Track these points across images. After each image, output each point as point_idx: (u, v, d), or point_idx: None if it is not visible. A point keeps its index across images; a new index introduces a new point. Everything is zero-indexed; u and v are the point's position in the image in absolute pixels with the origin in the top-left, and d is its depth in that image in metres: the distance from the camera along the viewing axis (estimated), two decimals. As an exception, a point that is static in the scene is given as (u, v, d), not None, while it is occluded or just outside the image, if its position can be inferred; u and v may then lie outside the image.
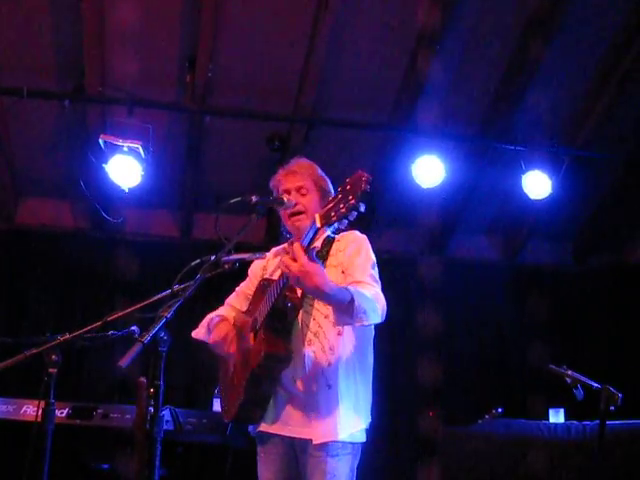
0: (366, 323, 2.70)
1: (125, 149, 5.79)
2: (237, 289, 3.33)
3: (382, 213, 7.15)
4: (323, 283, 2.59)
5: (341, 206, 2.50)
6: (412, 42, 6.13)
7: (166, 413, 4.68)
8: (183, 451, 4.86)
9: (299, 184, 3.12)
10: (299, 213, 3.09)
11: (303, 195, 3.11)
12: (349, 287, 2.71)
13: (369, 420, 2.97)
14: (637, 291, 7.61)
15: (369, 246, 3.03)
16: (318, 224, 2.58)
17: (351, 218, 2.56)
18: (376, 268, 2.99)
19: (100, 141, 5.82)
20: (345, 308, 2.66)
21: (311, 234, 2.64)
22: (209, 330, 3.13)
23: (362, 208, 2.49)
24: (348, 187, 2.52)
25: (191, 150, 6.69)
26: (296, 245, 2.65)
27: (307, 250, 2.63)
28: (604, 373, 4.43)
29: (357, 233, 3.06)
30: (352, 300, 2.63)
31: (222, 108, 6.34)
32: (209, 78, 6.09)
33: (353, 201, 2.47)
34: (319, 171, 3.22)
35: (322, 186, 3.15)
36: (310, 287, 2.61)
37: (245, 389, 2.86)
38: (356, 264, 2.93)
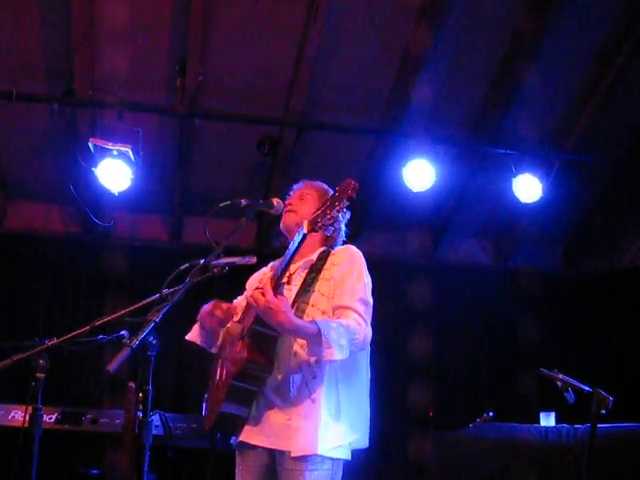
0: (333, 358, 2.69)
1: (115, 153, 5.77)
2: (234, 302, 3.30)
3: (373, 216, 7.15)
4: (286, 320, 2.64)
5: (327, 212, 2.59)
6: (402, 46, 6.14)
7: (155, 418, 4.66)
8: (173, 456, 4.85)
9: (302, 191, 3.22)
10: (290, 212, 3.15)
11: (301, 200, 3.18)
12: (319, 321, 2.71)
13: (358, 438, 2.91)
14: (627, 295, 7.63)
15: (363, 264, 3.02)
16: (305, 230, 2.68)
17: (337, 225, 2.60)
18: (368, 288, 2.97)
19: (90, 145, 5.79)
20: (314, 341, 2.69)
21: (298, 240, 2.74)
22: (201, 331, 3.11)
23: (347, 215, 2.57)
24: (336, 194, 2.61)
25: (181, 154, 6.67)
26: (266, 280, 2.76)
27: (277, 285, 2.71)
28: (595, 376, 4.44)
29: (353, 249, 3.05)
30: (319, 334, 2.65)
31: (212, 112, 6.32)
32: (199, 82, 6.08)
33: (339, 207, 2.56)
34: (329, 191, 3.22)
35: (325, 199, 3.14)
36: (273, 323, 2.67)
37: (226, 395, 2.84)
38: (347, 286, 2.92)
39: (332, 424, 2.81)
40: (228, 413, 2.87)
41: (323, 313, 2.89)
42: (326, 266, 2.98)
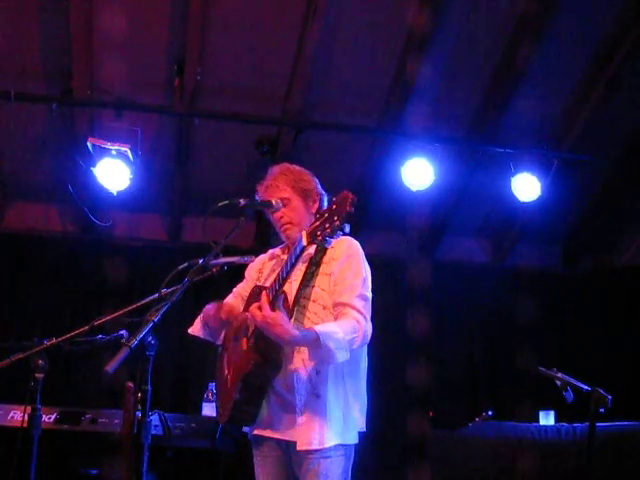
0: (333, 362, 2.77)
1: (113, 152, 5.77)
2: (234, 290, 3.33)
3: (372, 216, 7.15)
4: (284, 333, 2.69)
5: (327, 226, 2.61)
6: (401, 45, 6.13)
7: (155, 418, 4.66)
8: (172, 456, 4.84)
9: (282, 195, 3.13)
10: (289, 224, 3.12)
11: (285, 205, 3.11)
12: (318, 329, 2.73)
13: (362, 426, 2.98)
14: (626, 293, 7.64)
15: (362, 257, 3.04)
16: (304, 242, 2.71)
17: (337, 237, 2.63)
18: (368, 282, 3.01)
19: (88, 144, 5.79)
20: (315, 348, 2.75)
21: (298, 251, 2.77)
22: (204, 325, 3.13)
23: (347, 229, 2.59)
24: (334, 207, 2.62)
25: (180, 153, 6.66)
26: (263, 294, 2.76)
27: (274, 298, 2.75)
28: (594, 375, 4.44)
29: (351, 242, 3.05)
30: (318, 340, 2.70)
31: (211, 111, 6.32)
32: (198, 81, 6.07)
33: (338, 222, 2.58)
34: (296, 173, 3.21)
35: (303, 188, 3.15)
36: (273, 336, 2.72)
37: (237, 393, 2.88)
38: (346, 282, 2.94)
39: (339, 418, 2.88)
40: (241, 409, 2.93)
41: (324, 308, 2.93)
42: (325, 260, 2.99)
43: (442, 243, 7.76)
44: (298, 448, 2.82)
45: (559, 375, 4.36)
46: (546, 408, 5.93)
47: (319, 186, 3.19)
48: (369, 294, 2.98)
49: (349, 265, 2.98)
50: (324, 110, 6.50)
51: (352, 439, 2.92)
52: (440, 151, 6.36)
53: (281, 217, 3.12)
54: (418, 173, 6.31)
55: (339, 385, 2.90)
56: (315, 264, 2.98)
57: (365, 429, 3.00)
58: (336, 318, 2.90)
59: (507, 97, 6.44)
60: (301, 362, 2.88)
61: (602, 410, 3.99)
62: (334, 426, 2.84)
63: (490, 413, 5.75)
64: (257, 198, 3.20)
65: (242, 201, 3.01)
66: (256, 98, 6.36)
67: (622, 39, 6.12)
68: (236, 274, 3.32)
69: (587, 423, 4.13)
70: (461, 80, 6.49)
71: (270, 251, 3.32)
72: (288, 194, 3.12)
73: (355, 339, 2.81)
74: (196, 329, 3.19)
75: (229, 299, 3.30)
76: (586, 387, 4.16)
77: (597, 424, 4.06)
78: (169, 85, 6.17)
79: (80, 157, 6.02)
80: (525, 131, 6.55)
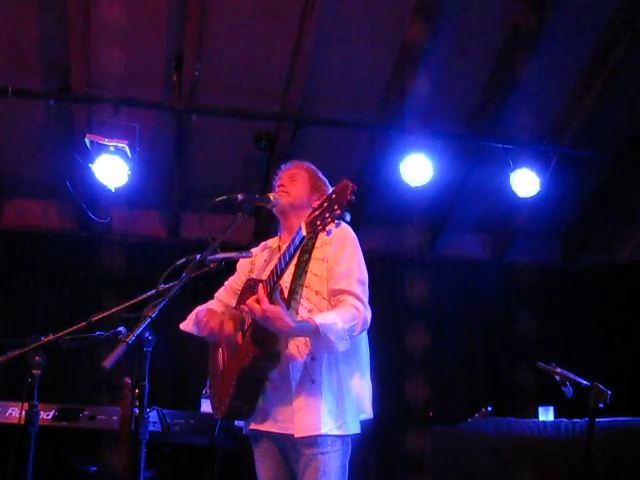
0: (335, 352, 2.78)
1: (111, 148, 5.76)
2: (226, 283, 3.33)
3: (370, 212, 7.14)
4: (284, 326, 2.69)
5: (327, 215, 2.59)
6: (400, 40, 6.12)
7: (153, 414, 4.65)
8: (171, 452, 4.84)
9: (293, 172, 3.21)
10: (282, 192, 3.16)
11: (292, 180, 3.18)
12: (318, 320, 2.74)
13: (364, 413, 2.98)
14: (626, 289, 7.63)
15: (355, 240, 3.03)
16: (304, 232, 2.67)
17: (337, 227, 2.61)
18: (363, 264, 3.00)
19: (86, 141, 5.78)
20: (315, 338, 2.77)
21: (297, 242, 2.73)
22: (197, 322, 3.12)
23: (348, 218, 2.57)
24: (334, 196, 2.60)
25: (178, 149, 6.65)
26: (260, 287, 2.75)
27: (272, 291, 2.74)
28: (593, 370, 4.43)
29: (343, 225, 3.00)
30: (318, 332, 2.71)
31: (209, 107, 6.31)
32: (196, 77, 6.07)
33: (338, 211, 2.56)
34: (318, 173, 3.28)
35: (315, 182, 3.20)
36: (273, 329, 2.73)
37: (235, 387, 2.87)
38: (342, 267, 2.93)
39: (335, 403, 2.87)
40: (239, 403, 2.92)
41: (317, 294, 2.93)
42: (317, 244, 2.97)
43: (441, 239, 7.75)
44: (296, 435, 2.81)
45: (558, 370, 4.34)
46: (545, 403, 5.92)
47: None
48: (366, 276, 2.97)
49: (342, 248, 2.97)
50: (323, 105, 6.50)
51: (349, 429, 2.89)
52: (439, 147, 6.35)
53: (281, 184, 3.18)
54: (417, 169, 6.31)
55: (332, 371, 2.88)
56: (308, 251, 2.95)
57: (372, 416, 2.99)
58: (335, 305, 2.89)
59: (506, 92, 6.43)
60: (295, 348, 2.87)
61: (601, 405, 3.97)
62: (329, 411, 2.83)
63: (489, 409, 5.74)
64: (274, 184, 3.25)
65: (240, 196, 3.01)
66: (255, 93, 6.35)
67: (621, 33, 6.11)
68: (234, 270, 3.32)
69: (586, 418, 4.11)
70: (460, 75, 6.48)
71: (262, 243, 3.32)
72: (301, 174, 3.20)
73: (355, 327, 2.80)
74: (188, 326, 3.18)
75: (220, 292, 3.31)
76: (585, 382, 4.14)
77: (596, 419, 4.04)
78: (167, 81, 6.16)
79: (78, 153, 6.02)
80: (524, 127, 6.56)
